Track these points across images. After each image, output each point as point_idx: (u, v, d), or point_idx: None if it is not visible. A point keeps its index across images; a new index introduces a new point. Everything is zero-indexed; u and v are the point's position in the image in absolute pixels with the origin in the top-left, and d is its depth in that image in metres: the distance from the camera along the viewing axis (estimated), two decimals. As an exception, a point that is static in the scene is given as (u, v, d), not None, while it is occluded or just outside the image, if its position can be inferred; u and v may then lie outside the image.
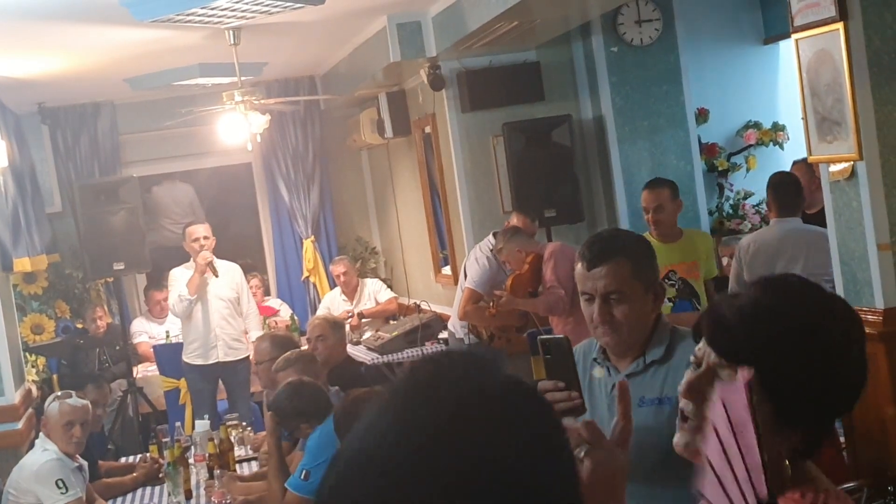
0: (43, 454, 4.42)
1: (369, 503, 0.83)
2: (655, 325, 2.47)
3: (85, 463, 4.57)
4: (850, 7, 3.94)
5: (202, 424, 5.08)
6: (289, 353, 4.76)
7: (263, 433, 4.81)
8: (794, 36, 4.20)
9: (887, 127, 3.99)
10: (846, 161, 4.07)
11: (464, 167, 6.97)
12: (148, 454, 5.18)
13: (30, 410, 6.05)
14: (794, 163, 6.17)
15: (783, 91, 7.25)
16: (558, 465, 0.90)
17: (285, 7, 5.25)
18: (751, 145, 7.32)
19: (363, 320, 7.93)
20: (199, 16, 5.21)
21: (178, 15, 5.08)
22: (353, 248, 9.16)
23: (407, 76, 7.47)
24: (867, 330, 3.96)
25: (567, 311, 5.40)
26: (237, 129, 6.32)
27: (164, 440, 5.22)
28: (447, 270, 7.61)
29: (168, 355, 7.40)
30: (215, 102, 6.59)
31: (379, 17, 6.50)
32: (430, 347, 7.03)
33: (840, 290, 4.22)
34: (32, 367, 7.13)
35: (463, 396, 0.88)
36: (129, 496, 4.86)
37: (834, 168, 4.17)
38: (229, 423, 5.35)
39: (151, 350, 7.73)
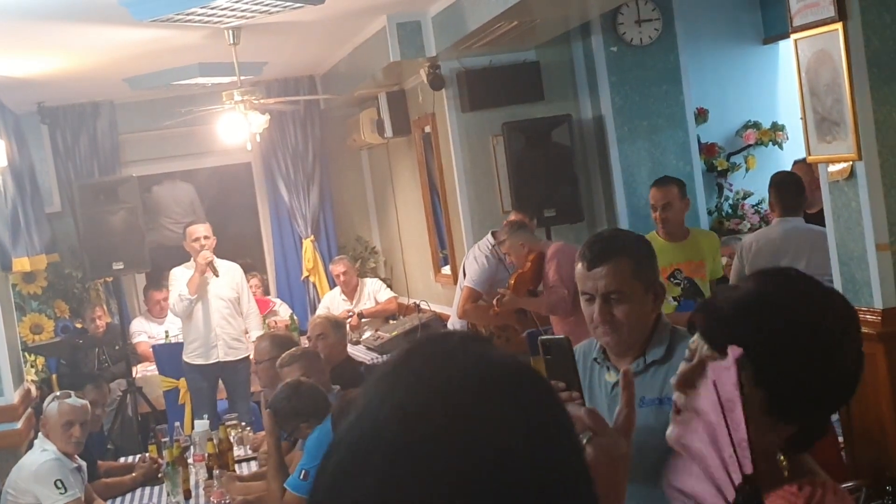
0: (42, 454, 4.42)
1: (369, 499, 0.79)
2: (655, 325, 2.48)
3: (84, 463, 4.57)
4: (849, 7, 3.94)
5: (201, 424, 5.08)
6: (293, 349, 4.77)
7: (263, 433, 4.81)
8: (794, 36, 4.20)
9: (886, 127, 3.99)
10: (845, 161, 4.07)
11: (463, 167, 6.97)
12: (147, 454, 5.18)
13: (29, 410, 6.05)
14: (795, 162, 6.18)
15: (782, 91, 7.25)
16: (565, 448, 0.87)
17: (285, 7, 5.25)
18: (750, 145, 7.32)
19: (363, 320, 7.93)
20: (198, 15, 5.21)
21: (177, 14, 5.07)
22: (353, 247, 9.16)
23: (407, 76, 7.47)
24: (866, 330, 3.99)
25: (568, 311, 5.40)
26: (237, 128, 6.32)
27: (163, 440, 5.23)
28: (447, 270, 7.61)
29: (167, 355, 7.40)
30: (215, 102, 6.59)
31: (379, 16, 6.50)
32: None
33: (839, 291, 4.22)
34: (31, 366, 7.12)
35: (464, 380, 0.84)
36: (128, 496, 4.86)
37: (833, 168, 4.17)
38: (228, 423, 5.35)
39: (151, 350, 7.73)
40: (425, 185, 7.84)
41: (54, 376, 7.14)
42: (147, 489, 4.89)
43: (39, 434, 4.55)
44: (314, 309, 8.43)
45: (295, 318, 8.19)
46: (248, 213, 9.52)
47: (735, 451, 1.20)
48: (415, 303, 7.53)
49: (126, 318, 8.12)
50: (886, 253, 4.02)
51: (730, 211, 7.29)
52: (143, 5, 4.99)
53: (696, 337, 1.46)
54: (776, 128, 7.32)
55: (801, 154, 4.92)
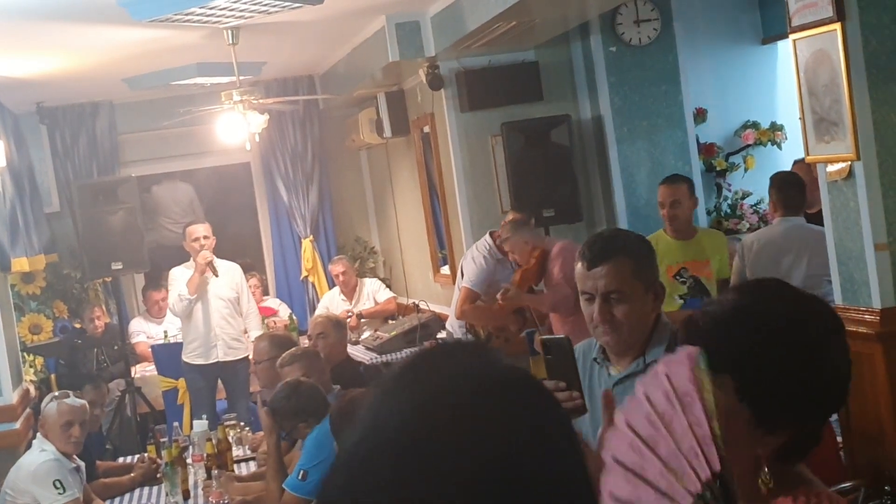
0: (41, 454, 4.42)
1: (378, 499, 0.81)
2: (655, 325, 2.48)
3: (82, 464, 4.56)
4: (848, 8, 3.95)
5: (200, 424, 5.08)
6: (294, 348, 4.77)
7: (261, 433, 4.81)
8: (792, 36, 4.20)
9: (884, 127, 4.00)
10: (843, 161, 4.08)
11: (462, 167, 6.97)
12: (146, 454, 5.18)
13: (27, 410, 6.05)
14: (795, 162, 6.18)
15: (781, 91, 7.26)
16: (565, 449, 0.88)
17: (284, 7, 5.25)
18: (749, 145, 7.32)
19: (362, 320, 7.93)
20: (197, 15, 5.21)
21: (176, 14, 5.07)
22: (352, 247, 9.16)
23: (406, 76, 7.47)
24: (864, 330, 3.99)
25: (570, 310, 5.39)
26: (236, 128, 6.32)
27: (161, 440, 5.23)
28: (446, 270, 7.61)
29: (166, 355, 7.40)
30: (214, 102, 6.59)
31: (378, 16, 6.50)
32: (428, 347, 7.03)
33: (837, 290, 4.23)
34: (30, 366, 7.12)
35: (468, 383, 0.86)
36: (127, 496, 4.86)
37: (831, 168, 4.17)
38: (227, 423, 5.35)
39: (149, 350, 7.72)
40: (424, 185, 7.84)
41: (53, 376, 7.15)
42: (146, 489, 4.89)
43: (38, 434, 4.55)
44: (313, 309, 8.42)
45: (294, 318, 8.19)
46: (248, 213, 9.52)
47: (700, 447, 1.18)
48: (414, 303, 7.53)
49: (125, 319, 8.12)
50: (885, 253, 4.02)
51: (728, 211, 7.29)
52: (142, 5, 4.99)
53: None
54: (775, 128, 7.32)
55: (800, 154, 4.92)
